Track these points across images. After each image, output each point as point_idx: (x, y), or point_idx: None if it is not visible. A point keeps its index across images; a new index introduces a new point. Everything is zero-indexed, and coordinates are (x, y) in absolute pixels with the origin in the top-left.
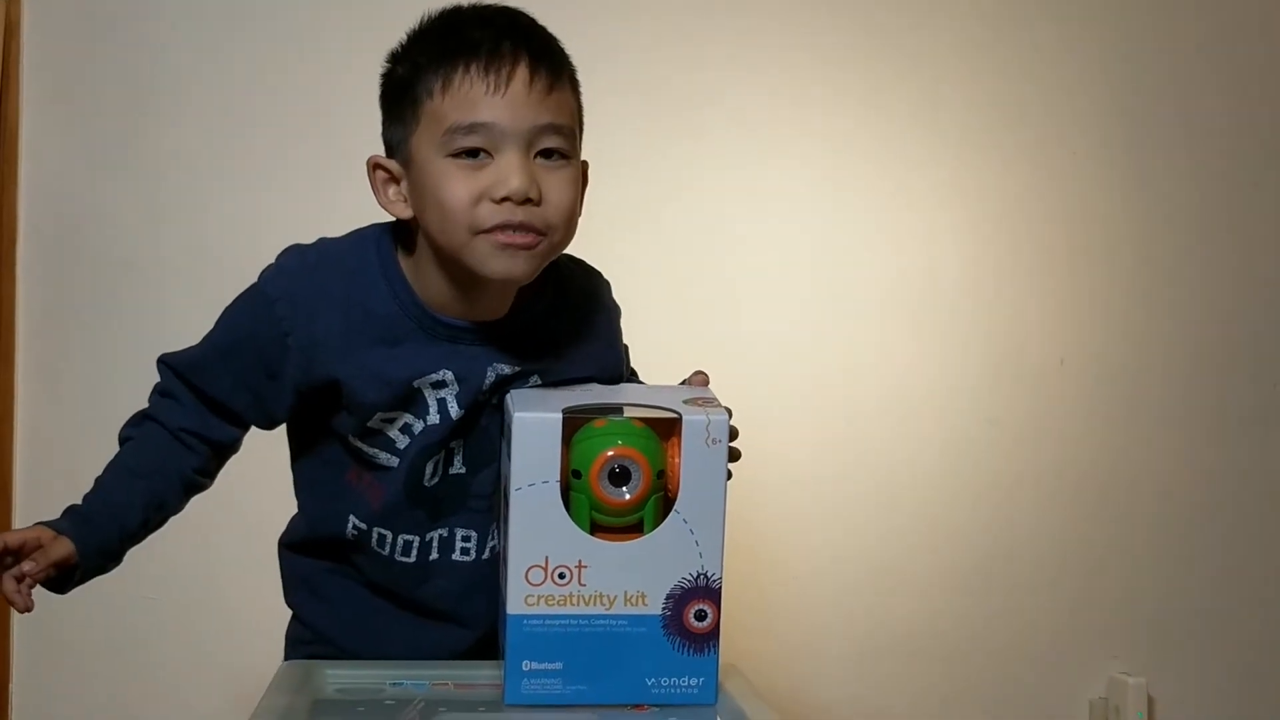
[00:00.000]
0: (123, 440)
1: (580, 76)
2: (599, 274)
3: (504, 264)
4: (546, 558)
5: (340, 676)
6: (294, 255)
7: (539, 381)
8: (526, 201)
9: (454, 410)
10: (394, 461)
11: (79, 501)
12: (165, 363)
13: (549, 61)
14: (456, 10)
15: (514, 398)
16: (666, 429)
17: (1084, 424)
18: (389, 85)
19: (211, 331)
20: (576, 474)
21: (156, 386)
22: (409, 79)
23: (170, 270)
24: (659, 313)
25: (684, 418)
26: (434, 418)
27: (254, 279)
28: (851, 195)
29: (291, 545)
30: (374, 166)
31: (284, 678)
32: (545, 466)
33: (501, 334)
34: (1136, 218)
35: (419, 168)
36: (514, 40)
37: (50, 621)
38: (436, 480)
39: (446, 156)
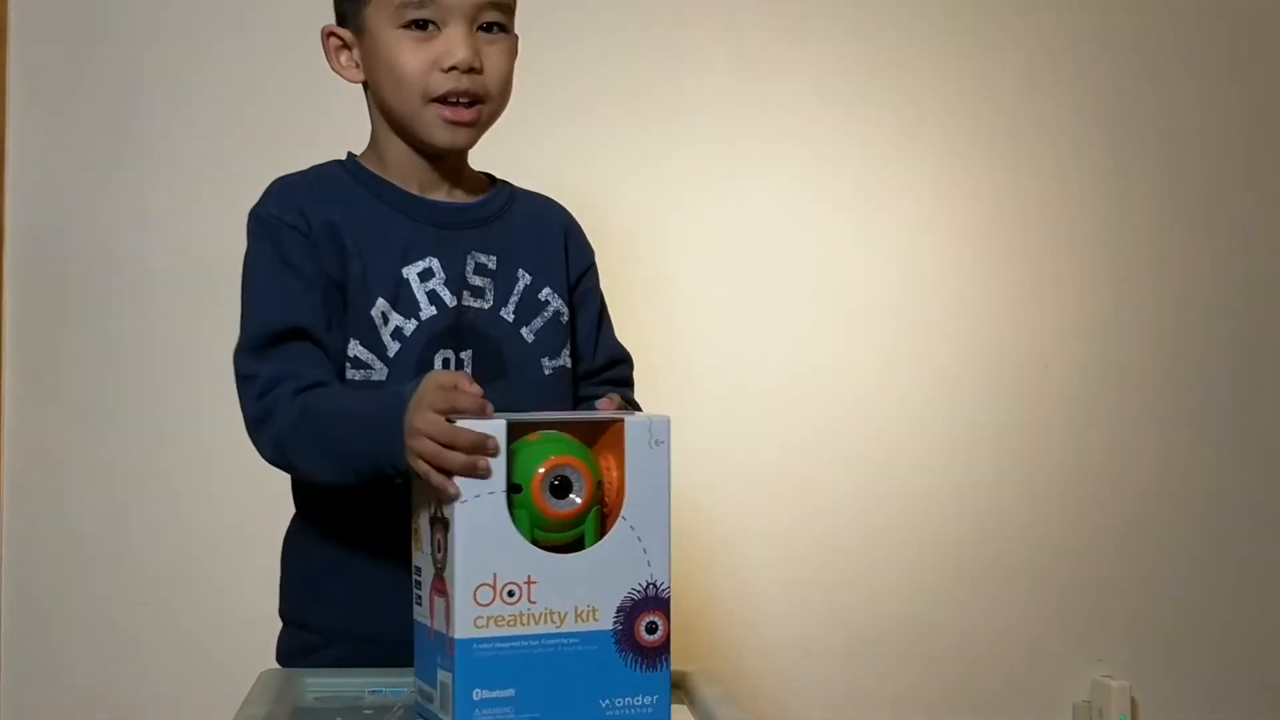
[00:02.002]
0: (304, 420)
1: (563, 84)
2: (560, 204)
3: (448, 135)
4: (495, 575)
5: (319, 684)
6: (270, 186)
7: (493, 266)
8: (470, 70)
9: (448, 298)
10: (384, 373)
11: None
12: (247, 350)
13: None
14: None
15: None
16: (599, 441)
17: (1069, 427)
18: None
19: (253, 292)
20: (516, 488)
21: (258, 385)
22: None
23: (156, 275)
24: (640, 318)
25: (626, 419)
26: (428, 310)
27: (237, 284)
28: (836, 200)
29: (303, 533)
30: (328, 35)
31: (263, 686)
32: (491, 476)
33: (474, 220)
34: (1120, 223)
35: (372, 37)
36: None
37: (37, 628)
38: None
39: (398, 28)
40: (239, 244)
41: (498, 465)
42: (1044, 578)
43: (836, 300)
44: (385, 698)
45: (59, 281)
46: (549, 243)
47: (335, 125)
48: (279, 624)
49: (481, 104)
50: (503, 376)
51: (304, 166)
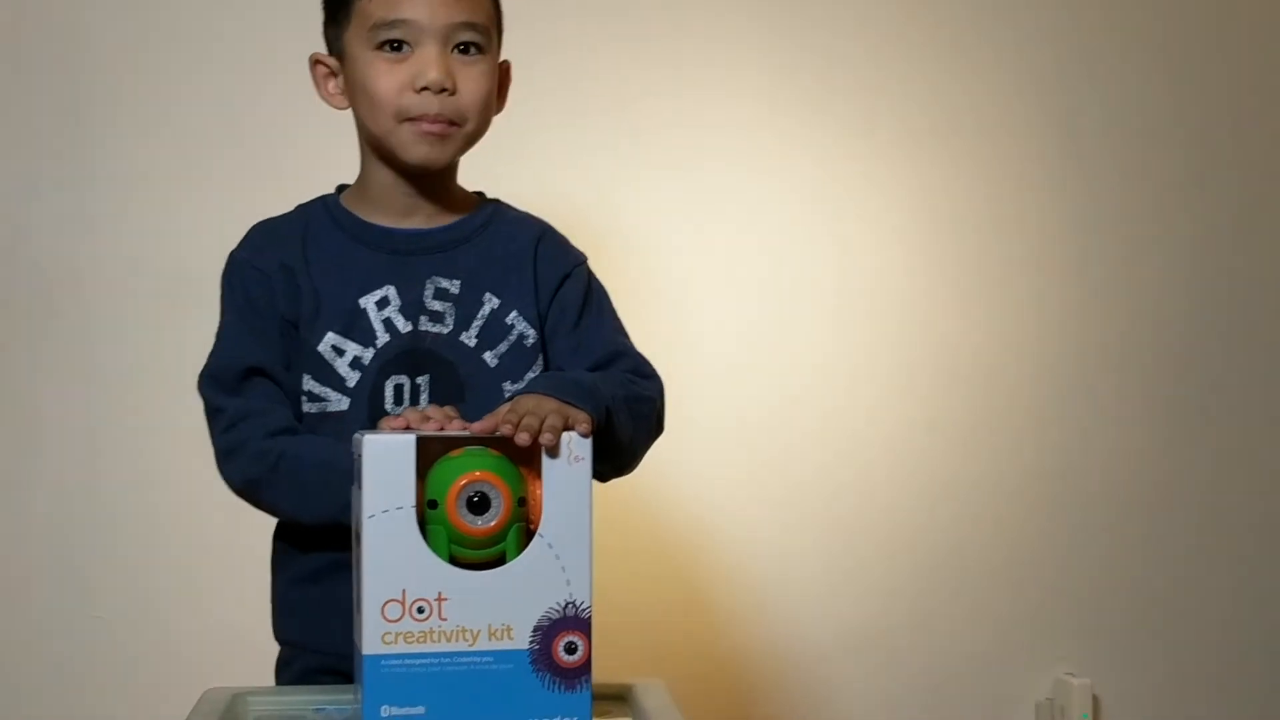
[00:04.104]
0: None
1: (523, 78)
2: (542, 221)
3: (423, 150)
4: (404, 590)
5: (263, 703)
6: (253, 226)
7: (455, 291)
8: (442, 91)
9: (402, 325)
10: (344, 403)
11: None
12: (211, 381)
13: None
14: None
15: (362, 431)
16: (524, 456)
17: (1026, 428)
18: None
19: (220, 327)
20: (433, 504)
21: (224, 419)
22: None
23: (104, 283)
24: None
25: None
26: (383, 338)
27: (185, 291)
28: (794, 202)
29: (277, 550)
30: (315, 62)
31: (206, 705)
32: (398, 491)
33: (437, 245)
34: (1081, 224)
35: (350, 61)
36: None
37: None
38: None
39: (373, 49)
40: (185, 252)
41: (409, 481)
42: (1005, 576)
43: (796, 302)
44: (330, 716)
45: (6, 291)
46: (518, 265)
47: (277, 134)
48: (227, 640)
49: (457, 126)
50: (461, 400)
51: (253, 174)
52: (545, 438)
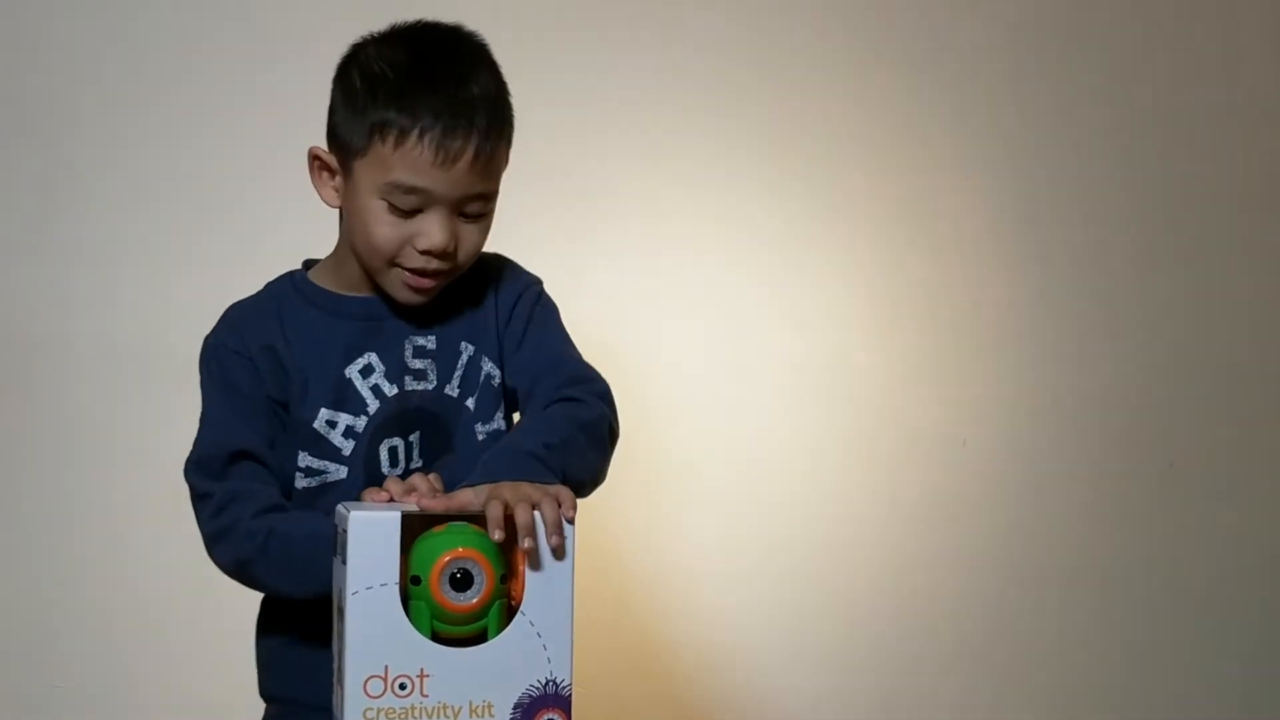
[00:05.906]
0: (262, 546)
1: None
2: (499, 256)
3: (408, 296)
4: (386, 667)
5: None
6: (224, 313)
7: (433, 346)
8: (443, 254)
9: (388, 389)
10: (342, 472)
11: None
12: (198, 468)
13: (495, 134)
14: (424, 45)
15: (346, 504)
16: (508, 534)
17: (987, 504)
18: (349, 86)
19: (204, 413)
20: (416, 580)
21: (212, 503)
22: (367, 103)
23: (77, 356)
24: None
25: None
26: (373, 404)
27: (159, 366)
28: (752, 281)
29: (265, 612)
30: (314, 156)
31: None
32: (383, 568)
33: (407, 306)
34: (1035, 300)
35: (355, 190)
36: (469, 117)
37: None
38: (399, 474)
39: (380, 198)
40: (159, 326)
41: (394, 557)
42: (968, 650)
43: (754, 375)
44: None
45: None
46: (481, 308)
47: (255, 208)
48: (203, 713)
49: (448, 275)
50: (450, 450)
51: (225, 249)
52: (553, 540)
